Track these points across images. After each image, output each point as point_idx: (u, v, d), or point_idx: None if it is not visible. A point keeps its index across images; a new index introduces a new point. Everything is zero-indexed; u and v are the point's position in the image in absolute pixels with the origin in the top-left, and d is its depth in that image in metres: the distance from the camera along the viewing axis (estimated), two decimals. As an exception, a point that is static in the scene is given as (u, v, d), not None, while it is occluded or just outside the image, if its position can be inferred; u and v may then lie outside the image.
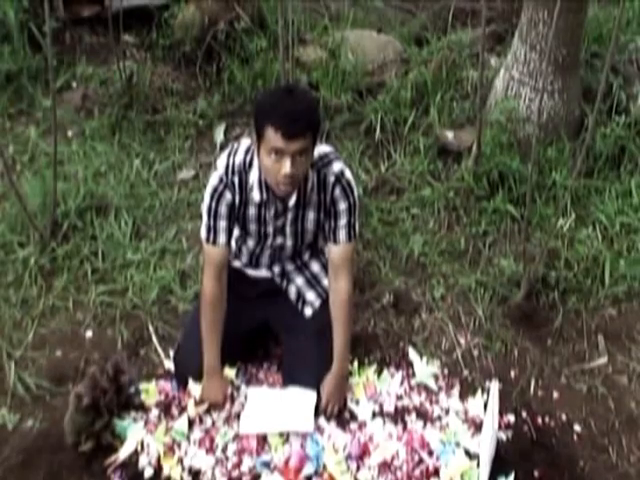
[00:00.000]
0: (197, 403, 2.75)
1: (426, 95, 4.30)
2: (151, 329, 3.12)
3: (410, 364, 3.03)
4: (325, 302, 2.82)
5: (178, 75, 4.69)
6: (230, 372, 2.85)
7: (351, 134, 4.23)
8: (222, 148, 4.18)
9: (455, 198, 3.77)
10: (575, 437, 2.78)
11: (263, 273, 2.91)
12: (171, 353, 2.97)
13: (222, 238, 2.63)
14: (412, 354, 3.06)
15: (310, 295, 2.90)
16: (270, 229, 2.71)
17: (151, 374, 2.94)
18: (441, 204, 3.77)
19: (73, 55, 4.75)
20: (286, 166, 2.38)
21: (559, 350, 3.13)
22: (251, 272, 2.92)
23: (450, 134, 4.05)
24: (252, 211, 2.65)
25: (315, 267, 2.93)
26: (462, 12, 5.34)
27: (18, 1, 4.54)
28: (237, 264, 2.88)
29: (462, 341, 3.15)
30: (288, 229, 2.72)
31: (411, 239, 3.59)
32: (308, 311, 2.89)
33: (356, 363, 2.96)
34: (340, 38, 4.74)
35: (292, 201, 2.60)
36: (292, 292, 2.91)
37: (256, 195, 2.59)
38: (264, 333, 2.98)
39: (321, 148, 2.64)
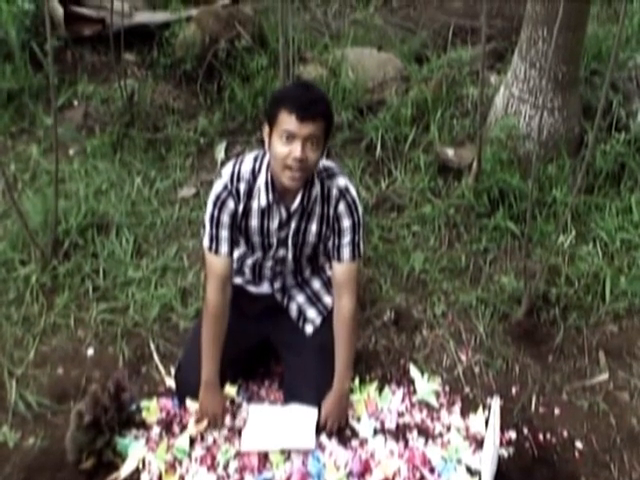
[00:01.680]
0: (197, 420, 2.76)
1: (426, 112, 4.33)
2: (152, 347, 3.14)
3: (411, 381, 3.04)
4: (326, 319, 2.84)
5: (179, 93, 4.73)
6: (231, 389, 2.87)
7: (352, 151, 4.26)
8: (223, 165, 4.20)
9: (456, 215, 3.80)
10: (576, 454, 2.78)
11: (264, 289, 2.93)
12: (172, 371, 2.99)
13: (224, 247, 2.65)
14: (413, 371, 3.08)
15: (311, 312, 2.92)
16: (274, 240, 2.73)
17: (152, 392, 2.96)
18: (442, 221, 3.79)
19: (74, 73, 4.79)
20: (297, 149, 2.41)
21: (560, 367, 3.14)
22: (252, 289, 2.94)
23: (450, 151, 4.08)
24: (255, 222, 2.67)
25: (316, 284, 2.96)
26: (462, 30, 5.39)
27: (20, 20, 4.58)
28: (238, 281, 2.90)
29: (463, 358, 3.16)
30: (290, 240, 2.73)
31: (412, 256, 3.61)
32: (309, 328, 2.91)
33: (357, 380, 2.98)
34: (340, 56, 4.79)
35: (295, 204, 2.61)
36: (293, 309, 2.93)
37: (262, 199, 2.60)
38: (265, 350, 3.00)
39: (325, 162, 2.66)
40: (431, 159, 4.09)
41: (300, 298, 2.94)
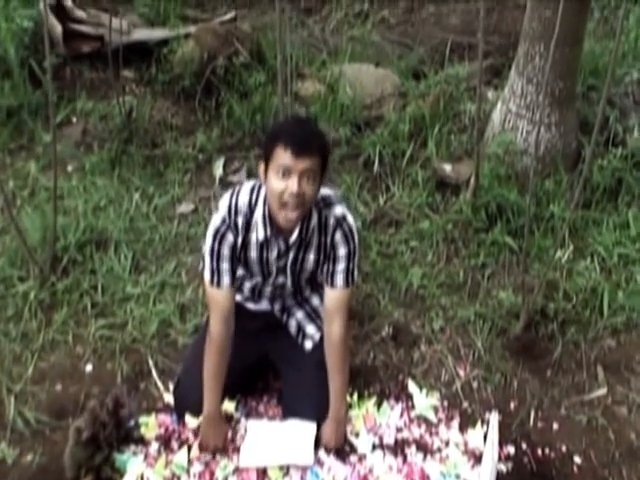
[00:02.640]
0: (200, 449, 2.76)
1: (424, 128, 4.36)
2: (151, 363, 3.15)
3: (410, 396, 3.05)
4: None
5: (177, 110, 4.76)
6: (230, 405, 2.88)
7: (349, 167, 4.28)
8: (221, 182, 4.23)
9: (453, 230, 3.82)
10: (575, 469, 2.79)
11: (264, 306, 2.95)
12: (171, 387, 2.99)
13: (226, 280, 2.65)
14: (411, 386, 3.09)
15: (310, 329, 2.94)
16: (273, 269, 2.75)
17: (151, 408, 2.97)
18: (439, 236, 3.81)
19: (73, 90, 4.82)
20: (294, 184, 2.42)
21: (558, 381, 3.15)
22: (251, 306, 2.96)
23: (448, 167, 4.10)
24: (254, 254, 2.69)
25: (315, 301, 2.98)
26: (459, 46, 5.43)
27: (19, 38, 4.61)
28: (238, 298, 2.91)
29: (461, 373, 3.17)
30: (289, 269, 2.75)
31: (410, 271, 3.63)
32: (308, 344, 2.93)
33: (356, 395, 2.99)
34: (338, 72, 4.82)
35: (294, 237, 2.63)
36: (292, 326, 2.95)
37: (260, 232, 2.61)
38: (264, 366, 3.01)
39: (323, 191, 2.66)
40: (429, 175, 4.11)
41: (299, 314, 2.96)
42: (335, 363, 2.75)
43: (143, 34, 5.10)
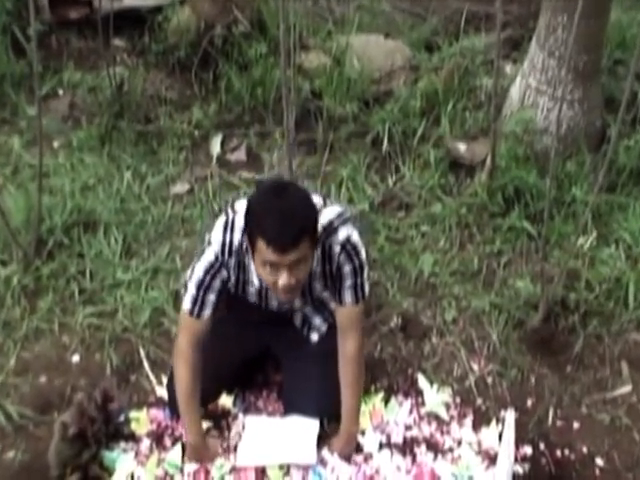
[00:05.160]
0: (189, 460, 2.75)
1: (437, 105, 4.34)
2: (142, 354, 3.15)
3: (419, 392, 3.05)
4: (332, 326, 2.83)
5: (172, 82, 4.74)
6: (227, 400, 2.88)
7: (356, 146, 4.27)
8: (219, 160, 4.22)
9: (468, 215, 3.81)
10: (597, 471, 2.79)
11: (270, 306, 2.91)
12: (164, 379, 2.99)
13: (207, 312, 2.59)
14: (422, 381, 3.09)
15: (317, 320, 2.92)
16: (274, 303, 2.73)
17: (142, 402, 2.97)
18: (453, 221, 3.80)
19: (60, 60, 4.79)
20: (283, 277, 2.36)
21: (579, 377, 3.15)
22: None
23: (462, 146, 4.09)
24: (253, 289, 2.65)
25: (323, 293, 2.93)
26: (475, 16, 5.38)
27: (1, 2, 4.58)
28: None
29: (475, 367, 3.17)
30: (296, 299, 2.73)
31: (420, 258, 3.62)
32: (314, 337, 2.91)
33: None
34: (345, 44, 4.79)
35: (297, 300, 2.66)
36: (297, 317, 2.93)
37: (255, 281, 2.58)
38: (263, 357, 3.01)
39: (325, 214, 2.55)
40: (442, 154, 4.09)
41: (307, 306, 2.93)
42: (348, 379, 2.74)
43: (135, 0, 5.06)
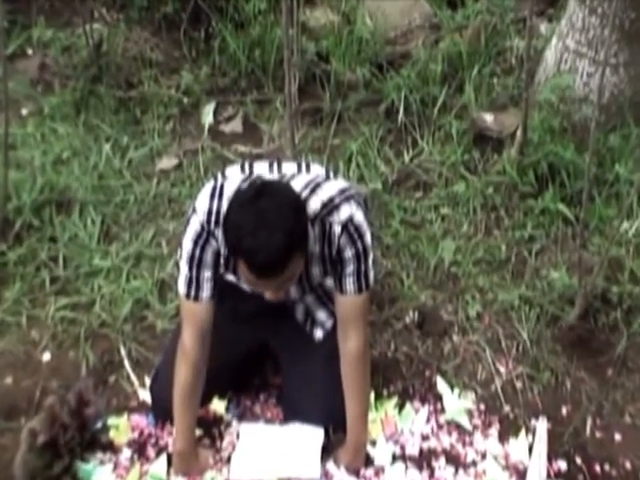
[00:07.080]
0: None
1: (460, 69, 4.35)
2: (123, 352, 3.15)
3: (438, 397, 3.05)
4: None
5: (158, 42, 4.74)
6: (219, 405, 2.88)
7: (368, 116, 4.27)
8: (211, 132, 4.22)
9: (495, 195, 3.81)
10: (641, 489, 2.80)
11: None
12: (147, 381, 2.99)
13: (206, 292, 2.60)
14: (441, 385, 3.09)
15: (321, 314, 2.91)
16: None
17: (122, 406, 2.96)
18: (477, 202, 3.80)
19: (28, 15, 4.78)
20: (271, 295, 2.43)
21: (622, 382, 3.14)
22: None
23: (489, 117, 4.09)
24: None
25: (328, 282, 2.92)
26: (505, -33, 5.36)
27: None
28: (231, 278, 2.87)
29: (502, 370, 3.17)
30: (291, 287, 2.71)
31: (440, 245, 3.62)
32: (318, 333, 2.90)
33: (373, 395, 2.97)
34: (356, -1, 4.79)
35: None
36: (299, 310, 2.91)
37: None
38: (261, 357, 3.01)
39: (326, 189, 2.54)
40: (465, 126, 4.10)
41: (308, 298, 2.91)
42: (353, 382, 2.73)
43: (116, -53, 5.06)
